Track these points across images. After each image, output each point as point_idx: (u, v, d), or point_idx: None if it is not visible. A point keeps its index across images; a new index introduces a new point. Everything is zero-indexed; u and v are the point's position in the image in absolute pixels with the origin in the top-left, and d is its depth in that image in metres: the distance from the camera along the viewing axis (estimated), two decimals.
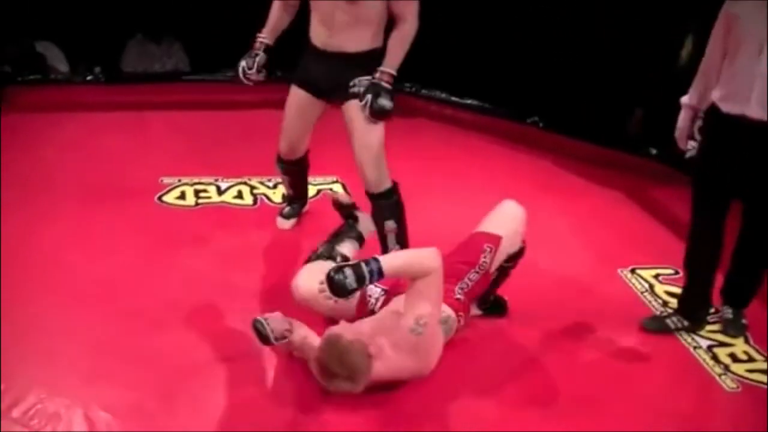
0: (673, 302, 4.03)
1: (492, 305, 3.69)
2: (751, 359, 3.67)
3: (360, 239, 3.73)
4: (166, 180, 4.72)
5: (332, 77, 3.67)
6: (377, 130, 3.68)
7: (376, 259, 3.05)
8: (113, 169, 4.83)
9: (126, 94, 5.93)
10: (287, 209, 4.40)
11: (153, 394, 3.06)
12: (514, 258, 3.61)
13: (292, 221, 4.37)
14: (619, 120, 6.09)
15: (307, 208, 4.45)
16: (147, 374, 3.17)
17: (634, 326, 3.83)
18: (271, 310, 3.24)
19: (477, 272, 3.44)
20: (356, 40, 3.59)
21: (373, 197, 3.80)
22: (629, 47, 5.89)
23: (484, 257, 3.44)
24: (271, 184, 4.78)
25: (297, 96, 3.89)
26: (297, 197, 4.39)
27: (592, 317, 3.86)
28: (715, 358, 3.65)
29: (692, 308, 3.82)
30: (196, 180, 4.76)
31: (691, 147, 3.79)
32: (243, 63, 3.86)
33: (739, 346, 3.74)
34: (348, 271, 2.98)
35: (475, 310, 3.60)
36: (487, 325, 3.66)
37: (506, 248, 3.54)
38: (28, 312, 3.46)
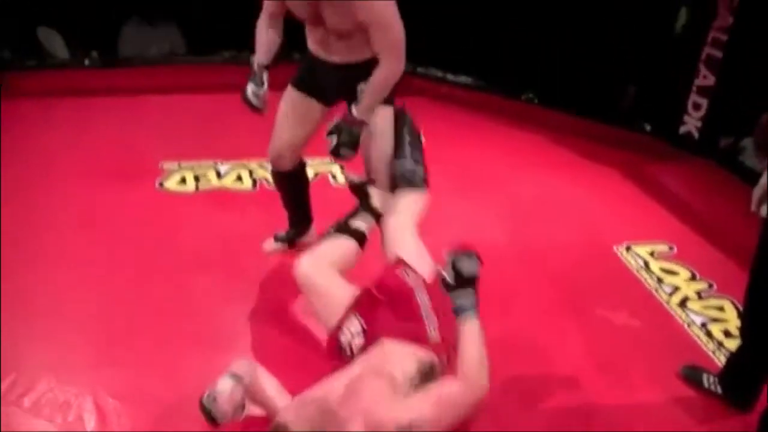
0: (667, 278, 4.10)
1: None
2: None
3: (375, 214, 3.45)
4: (166, 165, 4.77)
5: (340, 83, 3.48)
6: (384, 139, 3.52)
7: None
8: (114, 154, 4.87)
9: (123, 78, 5.95)
10: (281, 233, 4.05)
11: (161, 380, 3.11)
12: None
13: (281, 247, 4.03)
14: (613, 96, 6.14)
15: (307, 238, 4.00)
16: (154, 360, 3.22)
17: (629, 303, 3.90)
18: (269, 305, 3.23)
19: (420, 292, 2.90)
20: (357, 54, 3.39)
21: None
22: (623, 22, 5.93)
23: (408, 279, 2.94)
24: (269, 167, 4.80)
25: (293, 97, 3.65)
26: (295, 221, 4.03)
27: (587, 294, 3.93)
28: (708, 334, 3.72)
29: (739, 385, 3.25)
30: (195, 164, 4.80)
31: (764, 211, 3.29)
32: (250, 88, 3.57)
33: (732, 322, 3.81)
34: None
35: None
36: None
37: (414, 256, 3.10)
38: (32, 299, 3.51)
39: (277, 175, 3.88)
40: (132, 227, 4.16)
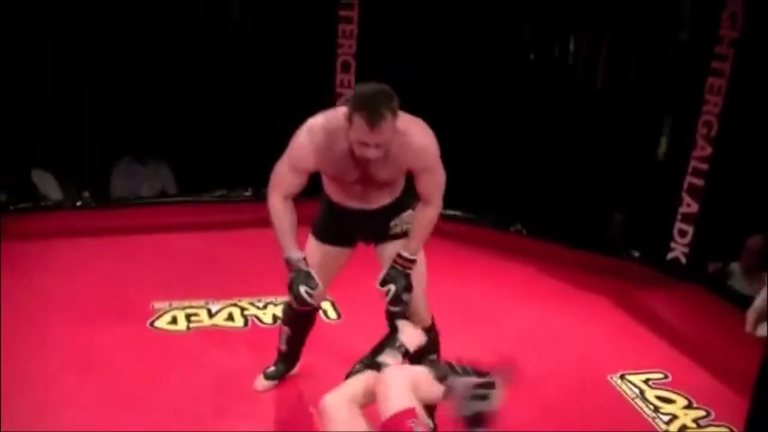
0: (664, 407, 4.08)
1: None
2: None
3: (401, 350, 3.40)
4: (157, 305, 4.77)
5: (367, 226, 3.51)
6: (420, 272, 3.56)
7: None
8: (105, 295, 4.86)
9: (115, 218, 6.02)
10: (271, 369, 4.03)
11: None
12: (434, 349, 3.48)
13: (273, 384, 4.03)
14: (601, 224, 6.22)
15: (294, 371, 4.09)
16: None
17: None
18: None
19: None
20: (389, 197, 3.46)
21: None
22: (606, 152, 6.07)
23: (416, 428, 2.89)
24: (261, 305, 4.83)
25: (322, 251, 3.60)
26: (288, 357, 4.04)
27: (583, 426, 3.88)
28: None
29: None
30: (186, 304, 4.81)
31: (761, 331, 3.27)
32: (303, 289, 3.37)
33: None
34: None
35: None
36: None
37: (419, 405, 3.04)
38: None
39: (294, 315, 3.82)
40: (124, 367, 4.12)
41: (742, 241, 5.55)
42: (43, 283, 4.99)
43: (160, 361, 4.22)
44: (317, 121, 3.28)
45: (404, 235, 3.52)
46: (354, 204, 3.46)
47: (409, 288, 3.42)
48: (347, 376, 3.22)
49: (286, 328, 3.94)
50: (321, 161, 3.28)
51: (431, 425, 2.97)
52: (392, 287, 3.40)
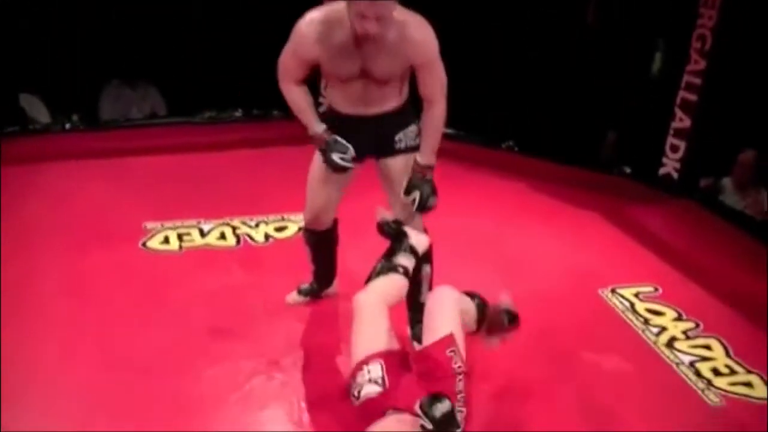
0: (654, 319, 4.11)
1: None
2: (732, 372, 3.75)
3: (413, 251, 3.42)
4: (149, 225, 4.76)
5: (371, 137, 3.48)
6: None
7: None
8: (97, 217, 4.86)
9: (105, 140, 5.98)
10: (305, 286, 4.07)
11: None
12: (482, 320, 3.33)
13: (304, 300, 4.06)
14: (594, 142, 6.21)
15: (332, 290, 4.10)
16: (141, 421, 3.18)
17: (616, 346, 3.90)
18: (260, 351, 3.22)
19: (460, 380, 2.92)
20: (391, 102, 3.44)
21: None
22: (600, 68, 6.03)
23: (455, 363, 2.94)
24: (253, 224, 4.83)
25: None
26: (320, 276, 4.03)
27: (574, 339, 3.93)
28: (697, 373, 3.72)
29: None
30: (178, 224, 4.80)
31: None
32: (337, 156, 3.43)
33: (720, 360, 3.82)
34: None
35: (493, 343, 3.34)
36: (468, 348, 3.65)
37: (462, 335, 3.10)
38: (22, 365, 3.47)
39: (311, 235, 3.86)
40: (117, 288, 4.14)
41: (734, 156, 5.55)
42: (33, 206, 4.98)
43: (153, 281, 4.23)
44: (316, 13, 3.29)
45: (409, 150, 3.52)
46: (357, 109, 3.45)
47: (434, 193, 3.45)
48: (368, 280, 3.27)
49: (307, 248, 3.95)
50: (322, 51, 3.29)
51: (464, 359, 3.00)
52: (417, 194, 3.43)
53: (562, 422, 3.34)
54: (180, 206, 5.01)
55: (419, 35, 3.25)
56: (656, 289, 4.39)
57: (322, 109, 3.71)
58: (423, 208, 3.46)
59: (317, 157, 3.60)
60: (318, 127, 3.46)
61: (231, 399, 3.36)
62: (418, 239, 3.45)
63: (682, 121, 5.57)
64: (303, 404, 3.34)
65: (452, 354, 2.94)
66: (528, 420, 3.33)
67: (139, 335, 3.76)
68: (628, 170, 5.92)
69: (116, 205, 5.04)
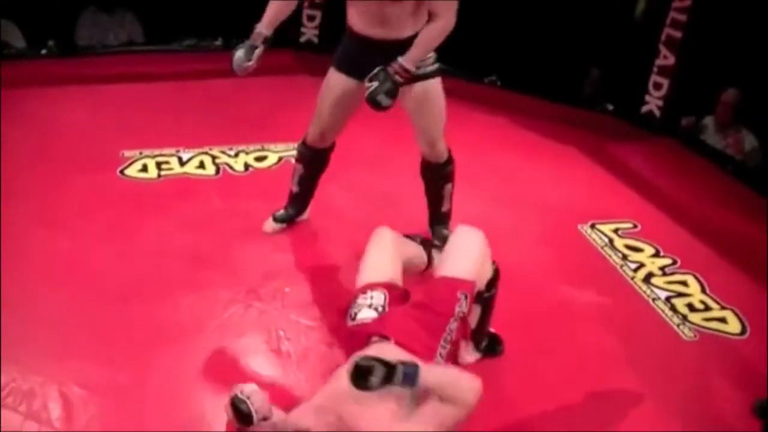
0: (632, 255, 4.14)
1: (488, 345, 3.33)
2: (707, 308, 3.79)
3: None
4: (127, 153, 4.69)
5: (386, 62, 3.40)
6: (438, 106, 3.64)
7: (416, 366, 2.57)
8: (74, 145, 4.78)
9: (82, 67, 5.87)
10: (281, 212, 4.06)
11: (126, 369, 3.08)
12: (492, 285, 3.23)
13: (281, 227, 4.05)
14: (577, 78, 6.18)
15: (304, 216, 4.12)
16: (119, 348, 3.18)
17: (594, 280, 3.93)
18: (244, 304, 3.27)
19: (455, 321, 2.94)
20: (407, 28, 3.39)
21: (432, 166, 3.86)
22: (585, 3, 5.97)
23: (459, 306, 2.95)
24: (232, 153, 4.78)
25: (340, 81, 3.60)
26: (298, 200, 4.05)
27: (552, 273, 3.96)
28: (673, 309, 3.76)
29: None
30: (157, 152, 4.74)
31: None
32: (239, 53, 3.46)
33: (696, 296, 3.86)
34: (379, 367, 2.51)
35: (471, 356, 3.25)
36: None
37: (479, 287, 3.14)
38: None
39: (308, 153, 3.87)
40: (95, 215, 4.09)
41: (717, 95, 5.53)
42: (8, 133, 4.88)
43: (130, 209, 4.18)
44: None
45: (424, 78, 3.50)
46: (374, 31, 3.42)
47: (391, 93, 3.37)
48: None
49: (299, 167, 3.96)
50: None
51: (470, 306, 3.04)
52: (374, 84, 3.36)
53: (537, 355, 3.38)
54: (159, 135, 4.94)
55: None
56: (635, 226, 4.41)
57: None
58: (372, 99, 3.37)
59: (331, 74, 3.62)
60: (260, 27, 3.46)
61: (209, 327, 3.36)
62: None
63: (666, 58, 5.54)
64: (281, 333, 3.35)
65: (461, 297, 2.96)
66: (506, 353, 3.35)
67: (116, 263, 3.73)
68: (610, 107, 5.90)
69: (94, 132, 4.96)
